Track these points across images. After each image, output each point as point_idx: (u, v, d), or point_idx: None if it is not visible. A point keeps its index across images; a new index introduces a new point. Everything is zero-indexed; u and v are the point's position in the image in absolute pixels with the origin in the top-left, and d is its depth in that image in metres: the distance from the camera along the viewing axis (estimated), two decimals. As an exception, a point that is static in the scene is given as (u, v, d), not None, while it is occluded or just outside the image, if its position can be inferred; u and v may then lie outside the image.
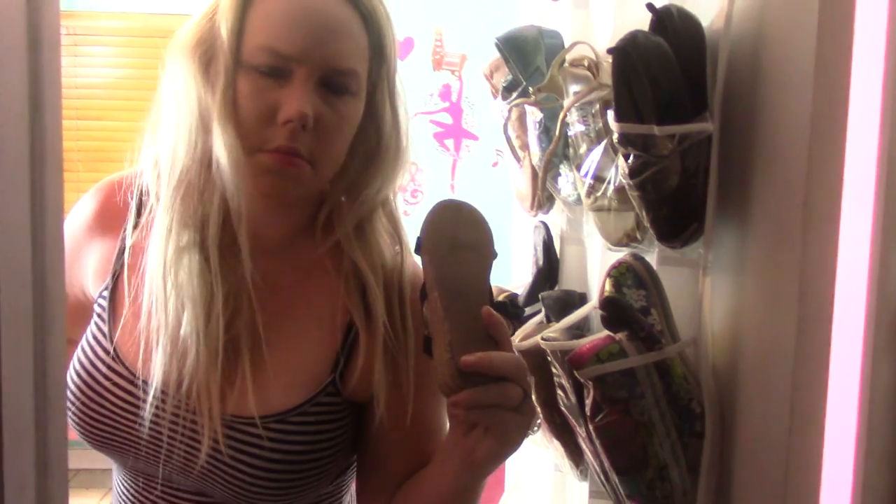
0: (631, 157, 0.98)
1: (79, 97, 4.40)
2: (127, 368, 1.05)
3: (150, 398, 1.00)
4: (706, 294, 1.00)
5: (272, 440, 1.00)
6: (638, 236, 1.10)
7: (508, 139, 1.33)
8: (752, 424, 0.96)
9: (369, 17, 1.00)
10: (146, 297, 1.02)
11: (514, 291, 1.39)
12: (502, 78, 1.33)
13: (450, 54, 4.52)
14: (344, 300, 1.06)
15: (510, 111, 1.30)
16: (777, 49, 0.93)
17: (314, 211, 1.09)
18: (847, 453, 1.22)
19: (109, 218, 1.12)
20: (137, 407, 1.03)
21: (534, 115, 1.26)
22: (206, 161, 0.98)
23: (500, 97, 1.34)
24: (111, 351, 1.06)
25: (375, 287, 1.04)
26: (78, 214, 1.16)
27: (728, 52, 0.96)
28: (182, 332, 0.98)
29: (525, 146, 1.32)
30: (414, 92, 4.46)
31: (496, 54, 1.42)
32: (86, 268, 1.13)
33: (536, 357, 1.22)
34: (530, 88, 1.21)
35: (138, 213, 1.10)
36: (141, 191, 1.11)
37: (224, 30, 0.97)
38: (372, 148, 1.06)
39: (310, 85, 0.96)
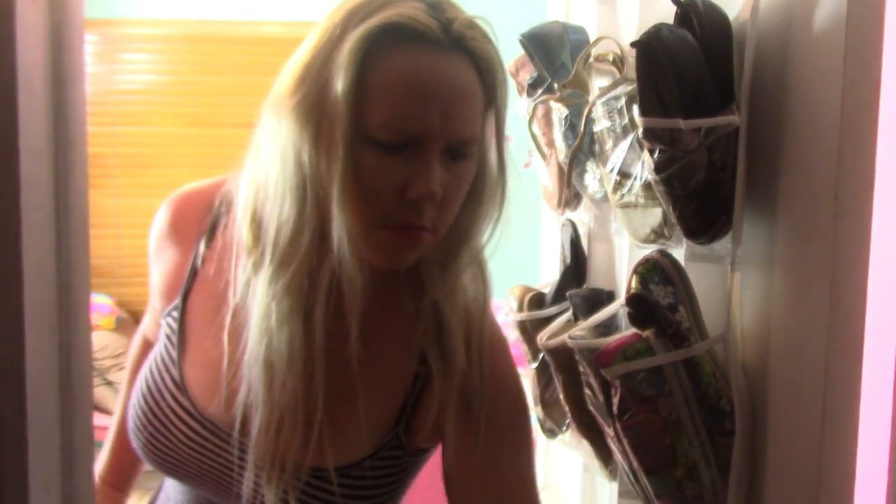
0: (657, 152, 0.97)
1: (115, 103, 4.46)
2: (193, 404, 1.02)
3: (233, 452, 0.98)
4: (735, 290, 0.98)
5: (338, 492, 0.98)
6: (665, 232, 1.09)
7: (534, 136, 1.32)
8: (783, 423, 0.94)
9: (486, 70, 0.93)
10: (239, 351, 0.98)
11: (542, 290, 1.38)
12: (527, 75, 1.32)
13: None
14: (420, 344, 1.00)
15: (535, 108, 1.29)
16: (805, 39, 0.91)
17: None
18: (882, 451, 1.19)
19: (181, 230, 1.10)
20: (204, 446, 1.01)
21: (559, 111, 1.25)
22: (318, 231, 0.93)
23: (525, 94, 1.33)
24: (179, 381, 1.03)
25: (457, 332, 0.99)
26: (154, 225, 1.15)
27: (755, 43, 0.95)
28: (277, 398, 0.95)
29: (551, 143, 1.31)
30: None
31: (521, 51, 1.42)
32: (156, 275, 1.12)
33: (564, 356, 1.20)
34: (555, 85, 1.20)
35: (213, 233, 1.07)
36: (218, 210, 1.07)
37: (340, 95, 0.88)
38: (476, 193, 0.98)
39: (436, 157, 0.89)
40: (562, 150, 1.25)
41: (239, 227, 1.00)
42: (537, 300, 1.35)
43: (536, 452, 1.72)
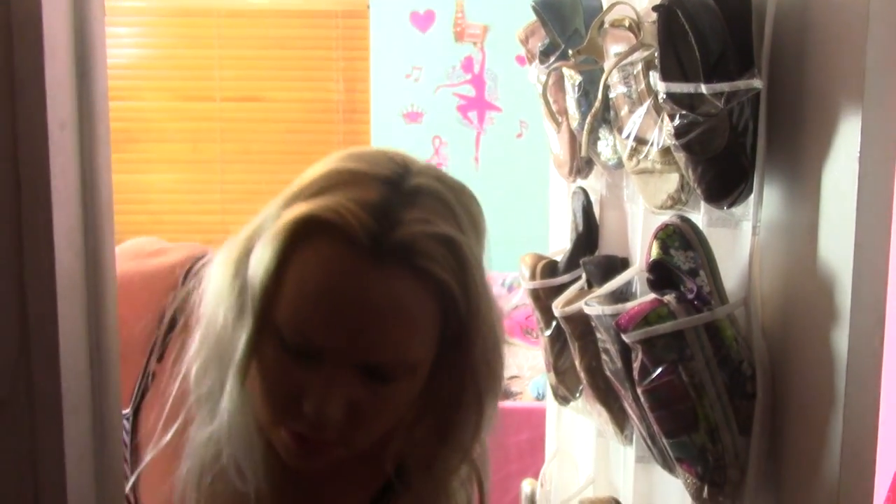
0: (677, 118, 0.97)
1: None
2: None
3: None
4: (756, 254, 0.98)
5: None
6: (682, 198, 1.09)
7: (547, 104, 1.32)
8: (804, 385, 0.95)
9: (441, 293, 0.78)
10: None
11: (554, 258, 1.38)
12: (538, 42, 1.32)
13: (471, 26, 4.48)
14: None
15: (548, 76, 1.28)
16: (825, 2, 0.91)
17: None
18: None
19: (140, 307, 0.98)
20: None
21: (572, 78, 1.25)
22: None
23: (536, 62, 1.33)
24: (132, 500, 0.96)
25: None
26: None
27: (775, 7, 0.94)
28: None
29: (563, 111, 1.31)
30: (436, 65, 4.44)
31: (519, 24, 1.41)
32: None
33: (580, 323, 1.21)
34: (569, 51, 1.20)
35: (169, 331, 0.97)
36: (176, 308, 0.97)
37: (258, 278, 0.78)
38: (454, 397, 0.85)
39: (344, 371, 0.77)
40: (574, 118, 1.25)
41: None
42: (549, 268, 1.35)
43: (548, 422, 1.73)
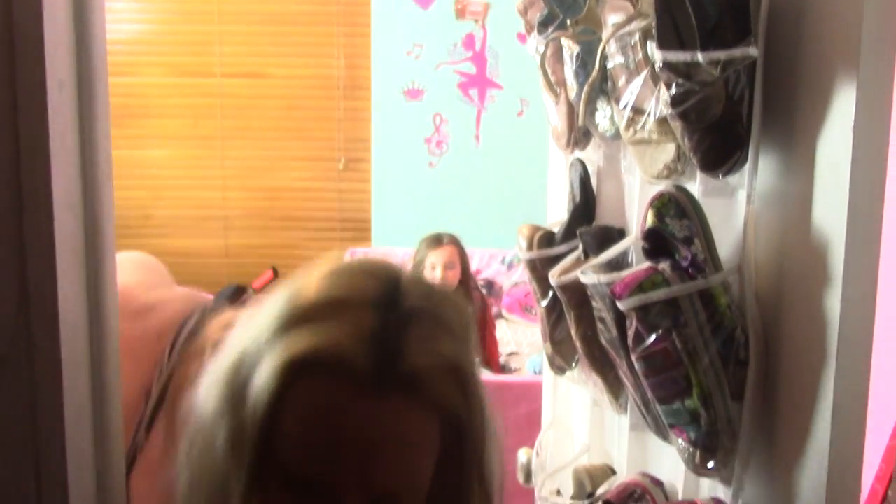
0: (674, 86, 0.97)
1: (103, 53, 4.40)
2: None
3: None
4: (750, 222, 0.99)
5: None
6: (678, 168, 1.09)
7: (545, 75, 1.32)
8: (797, 352, 0.96)
9: (443, 410, 0.77)
10: None
11: (551, 229, 1.39)
12: (537, 13, 1.32)
13: (473, 3, 4.47)
14: None
15: (546, 46, 1.28)
16: (823, -29, 0.91)
17: None
18: (894, 377, 1.22)
19: (125, 376, 0.94)
20: None
21: (570, 49, 1.25)
22: None
23: (535, 33, 1.33)
24: None
25: None
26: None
27: (772, -25, 0.95)
28: None
29: (561, 82, 1.31)
30: (437, 42, 4.43)
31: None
32: None
33: (576, 292, 1.22)
34: (567, 21, 1.20)
35: (156, 407, 0.97)
36: (161, 387, 0.96)
37: (257, 414, 0.76)
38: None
39: None
40: (572, 89, 1.25)
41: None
42: (547, 239, 1.36)
43: (544, 392, 1.75)
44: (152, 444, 0.97)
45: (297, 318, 0.76)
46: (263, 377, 0.75)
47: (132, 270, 1.08)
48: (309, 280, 0.79)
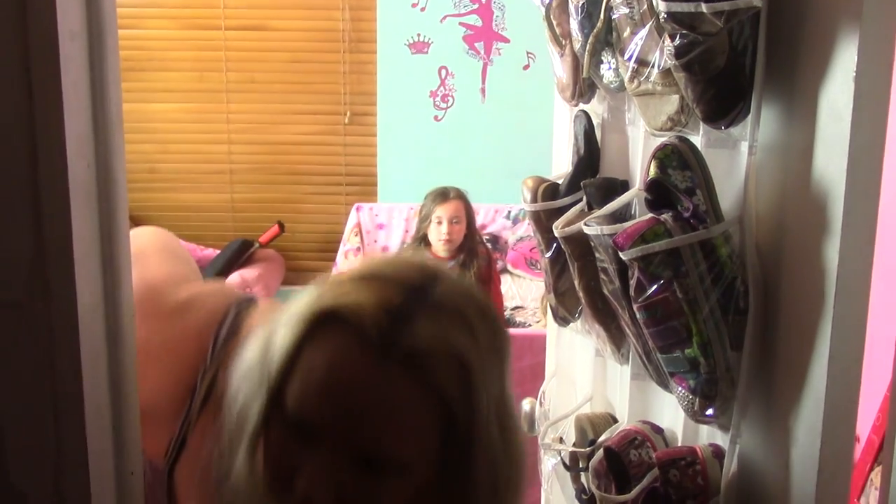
0: (678, 37, 0.98)
1: (107, 5, 4.37)
2: None
3: None
4: (752, 174, 1.00)
5: None
6: (682, 120, 1.10)
7: (550, 27, 1.32)
8: (795, 301, 0.98)
9: (443, 389, 0.80)
10: None
11: (555, 181, 1.40)
12: (543, -36, 1.32)
13: (478, -45, 4.43)
14: None
15: (552, -3, 1.29)
16: (829, -79, 0.91)
17: None
18: (892, 325, 1.24)
19: (171, 374, 1.02)
20: None
21: (575, 0, 1.25)
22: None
23: (540, -16, 1.33)
24: None
25: None
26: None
27: (778, -75, 0.95)
28: None
29: (566, 34, 1.31)
30: (442, -6, 4.39)
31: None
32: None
33: (580, 243, 1.23)
34: (573, -28, 1.20)
35: (203, 403, 1.00)
36: (207, 384, 0.99)
37: (275, 358, 0.83)
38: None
39: (338, 457, 0.80)
40: (577, 40, 1.25)
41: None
42: (551, 191, 1.37)
43: (548, 343, 1.77)
44: (198, 438, 1.00)
45: (333, 285, 0.84)
46: (287, 326, 0.82)
47: (158, 263, 1.09)
48: (359, 263, 0.87)
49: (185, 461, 1.02)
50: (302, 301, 0.84)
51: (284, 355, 0.81)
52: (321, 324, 0.81)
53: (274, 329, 0.85)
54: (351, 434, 0.79)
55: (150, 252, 1.10)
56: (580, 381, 1.56)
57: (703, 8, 0.94)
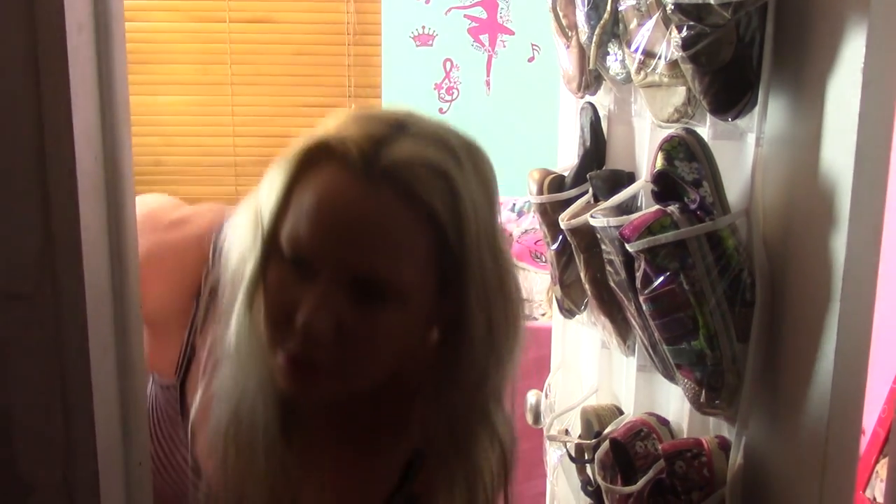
0: (685, 28, 0.98)
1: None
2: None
3: None
4: (759, 166, 1.00)
5: None
6: (688, 111, 1.10)
7: (557, 18, 1.32)
8: (802, 293, 0.97)
9: (434, 212, 0.82)
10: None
11: (561, 173, 1.40)
12: (549, -44, 1.31)
13: (484, -54, 4.41)
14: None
15: (558, -11, 1.28)
16: (837, -89, 0.91)
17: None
18: (897, 318, 1.23)
19: (173, 282, 1.04)
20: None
21: (582, -8, 1.25)
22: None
23: (547, -25, 1.33)
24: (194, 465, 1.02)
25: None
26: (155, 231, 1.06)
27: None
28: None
29: (573, 25, 1.31)
30: (447, -14, 4.38)
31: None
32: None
33: (586, 235, 1.23)
34: (579, -37, 1.20)
35: (208, 306, 1.01)
36: (211, 285, 0.99)
37: (268, 204, 0.86)
38: (459, 342, 0.88)
39: (335, 289, 0.82)
40: (583, 32, 1.25)
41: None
42: (557, 183, 1.37)
43: (553, 336, 1.78)
44: (206, 345, 1.00)
45: (319, 127, 0.87)
46: (276, 169, 0.86)
47: (152, 201, 1.12)
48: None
49: (196, 371, 1.03)
50: (287, 151, 0.88)
51: (277, 200, 0.84)
52: (309, 162, 0.84)
53: (262, 187, 0.88)
54: (344, 257, 0.82)
55: (143, 197, 1.11)
56: (586, 373, 1.56)
57: (711, -1, 0.94)
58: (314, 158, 0.84)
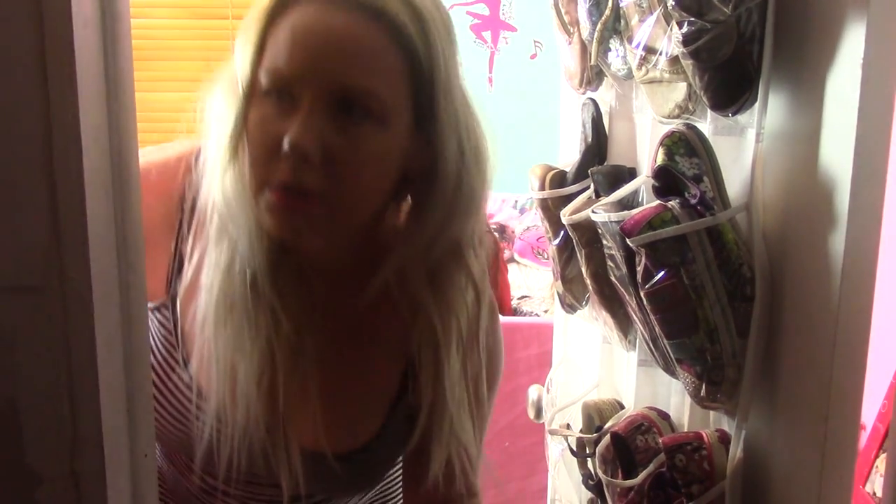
0: (685, 24, 0.98)
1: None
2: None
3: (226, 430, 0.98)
4: (759, 161, 1.01)
5: (346, 470, 1.00)
6: (689, 107, 1.10)
7: (559, 14, 1.32)
8: (801, 288, 0.98)
9: (402, 33, 0.88)
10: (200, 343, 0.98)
11: (563, 169, 1.41)
12: (551, -48, 1.32)
13: (485, -57, 4.42)
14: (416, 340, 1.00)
15: (560, -15, 1.29)
16: None
17: (377, 248, 1.00)
18: (896, 312, 1.24)
19: (160, 192, 1.05)
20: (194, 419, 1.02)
21: (584, -12, 1.25)
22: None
23: (549, -28, 1.33)
24: (190, 383, 1.03)
25: (447, 346, 0.98)
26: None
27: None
28: (248, 374, 0.95)
29: (574, 22, 1.31)
30: (450, -18, 4.39)
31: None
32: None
33: (587, 230, 1.24)
34: (581, -40, 1.20)
35: (192, 212, 1.02)
36: (195, 191, 1.02)
37: (242, 52, 0.90)
38: (431, 183, 0.93)
39: (318, 109, 0.85)
40: (585, 28, 1.26)
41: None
42: (559, 178, 1.38)
43: (555, 331, 1.78)
44: (193, 257, 1.02)
45: None
46: (248, 25, 0.90)
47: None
48: None
49: (188, 288, 1.03)
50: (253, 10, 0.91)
51: (253, 50, 0.89)
52: (282, 6, 0.89)
53: (235, 48, 0.92)
54: (322, 72, 0.86)
55: None
56: (587, 368, 1.57)
57: (712, -5, 0.95)
58: (286, 3, 0.89)
